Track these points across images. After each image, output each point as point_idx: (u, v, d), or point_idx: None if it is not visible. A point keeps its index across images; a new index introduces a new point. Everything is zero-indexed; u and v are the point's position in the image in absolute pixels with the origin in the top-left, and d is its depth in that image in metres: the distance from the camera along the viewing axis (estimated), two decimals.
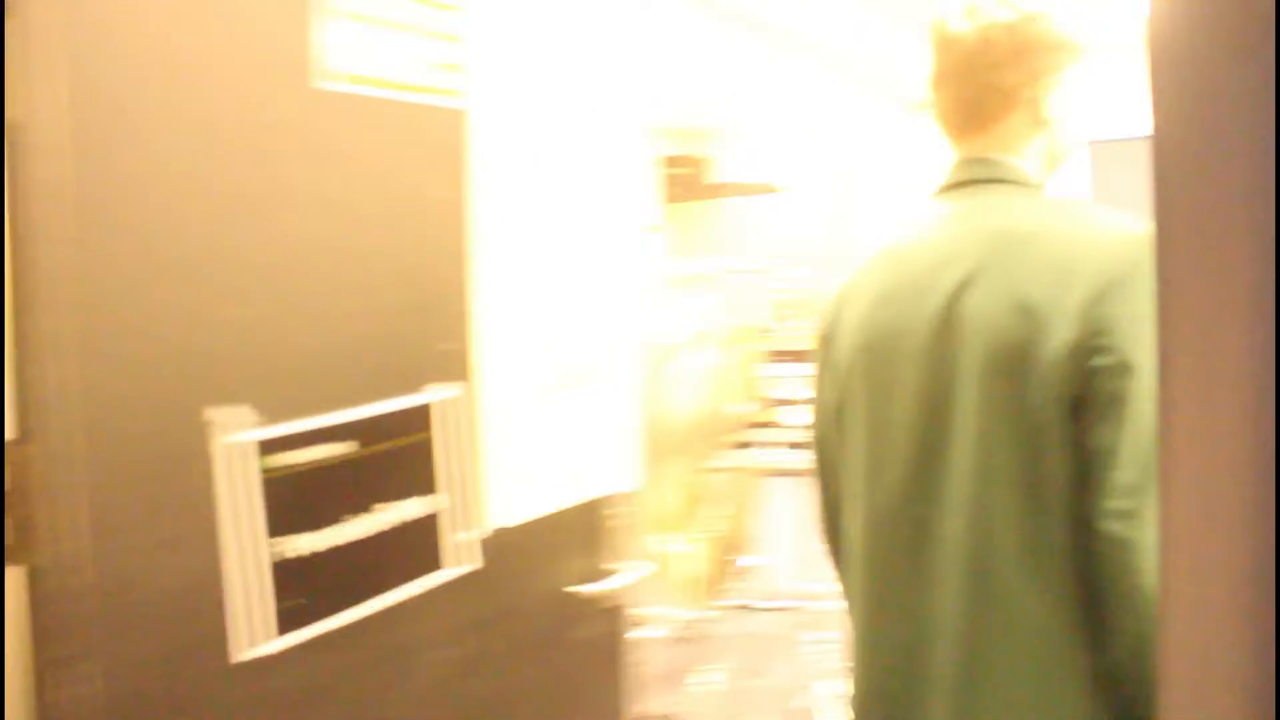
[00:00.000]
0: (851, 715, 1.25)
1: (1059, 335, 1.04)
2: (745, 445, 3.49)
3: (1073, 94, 1.22)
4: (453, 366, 1.32)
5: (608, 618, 1.50)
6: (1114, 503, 1.01)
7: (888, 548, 1.19)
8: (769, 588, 4.55)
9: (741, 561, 3.62)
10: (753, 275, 4.57)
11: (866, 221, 8.10)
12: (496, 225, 1.39)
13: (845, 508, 1.28)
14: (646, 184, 1.66)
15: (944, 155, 1.26)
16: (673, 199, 3.71)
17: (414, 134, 1.27)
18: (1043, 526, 1.06)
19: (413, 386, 1.27)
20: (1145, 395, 1.00)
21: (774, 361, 4.37)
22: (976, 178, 1.22)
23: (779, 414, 3.64)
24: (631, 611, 1.50)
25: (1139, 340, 1.02)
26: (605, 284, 1.58)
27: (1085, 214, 1.16)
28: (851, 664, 1.25)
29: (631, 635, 1.53)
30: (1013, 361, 1.07)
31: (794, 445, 3.52)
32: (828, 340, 1.31)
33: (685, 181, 4.36)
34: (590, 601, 1.45)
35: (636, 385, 1.65)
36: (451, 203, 1.32)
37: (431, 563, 1.29)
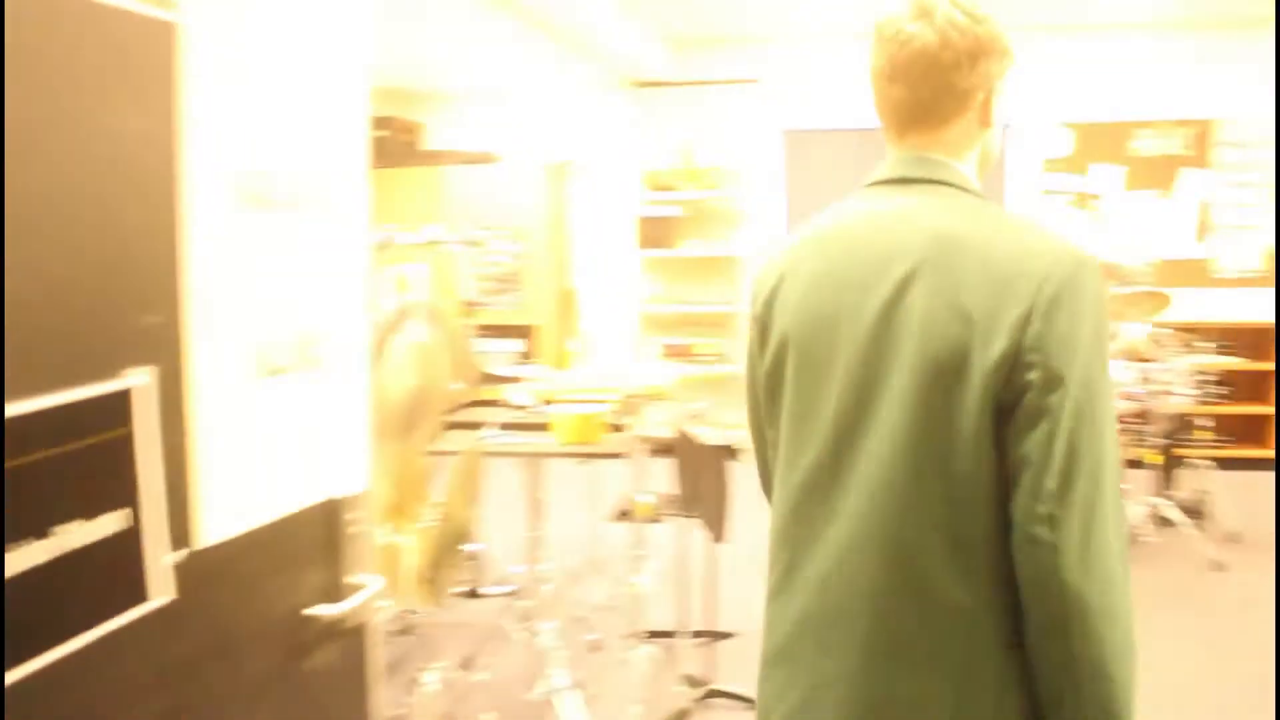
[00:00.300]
0: (760, 674, 1.33)
1: (995, 346, 1.14)
2: (463, 426, 3.34)
3: (1003, 100, 1.32)
4: (157, 345, 1.07)
5: (352, 641, 1.30)
6: (1041, 508, 1.12)
7: (801, 520, 1.28)
8: (494, 573, 4.41)
9: (466, 548, 3.47)
10: (464, 247, 4.34)
11: (584, 197, 8.27)
12: (212, 168, 1.14)
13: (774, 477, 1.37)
14: (361, 144, 1.46)
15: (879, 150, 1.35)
16: (383, 164, 3.40)
17: (111, 46, 1.01)
18: (963, 517, 1.17)
19: (106, 371, 1.01)
20: (1069, 408, 1.12)
21: (486, 337, 4.18)
22: (920, 176, 1.29)
23: (501, 392, 3.52)
24: (377, 630, 1.31)
25: (1068, 356, 1.13)
26: (325, 249, 1.37)
27: (1023, 227, 1.24)
28: (765, 621, 1.33)
29: (379, 658, 1.33)
30: (949, 365, 1.16)
31: (513, 426, 3.42)
32: (761, 315, 1.38)
33: (395, 146, 4.06)
34: (331, 624, 1.25)
35: (363, 367, 1.46)
36: (158, 137, 1.06)
37: (131, 594, 1.03)
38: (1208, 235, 7.15)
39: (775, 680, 1.31)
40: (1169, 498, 4.90)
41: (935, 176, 1.28)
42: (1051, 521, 1.11)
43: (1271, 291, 7.06)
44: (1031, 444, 1.12)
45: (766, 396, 1.37)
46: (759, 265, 1.43)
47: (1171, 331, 4.78)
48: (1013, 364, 1.13)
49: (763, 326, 1.37)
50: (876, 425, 1.20)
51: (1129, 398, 4.80)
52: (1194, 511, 5.10)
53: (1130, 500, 4.66)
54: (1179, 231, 7.18)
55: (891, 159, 1.34)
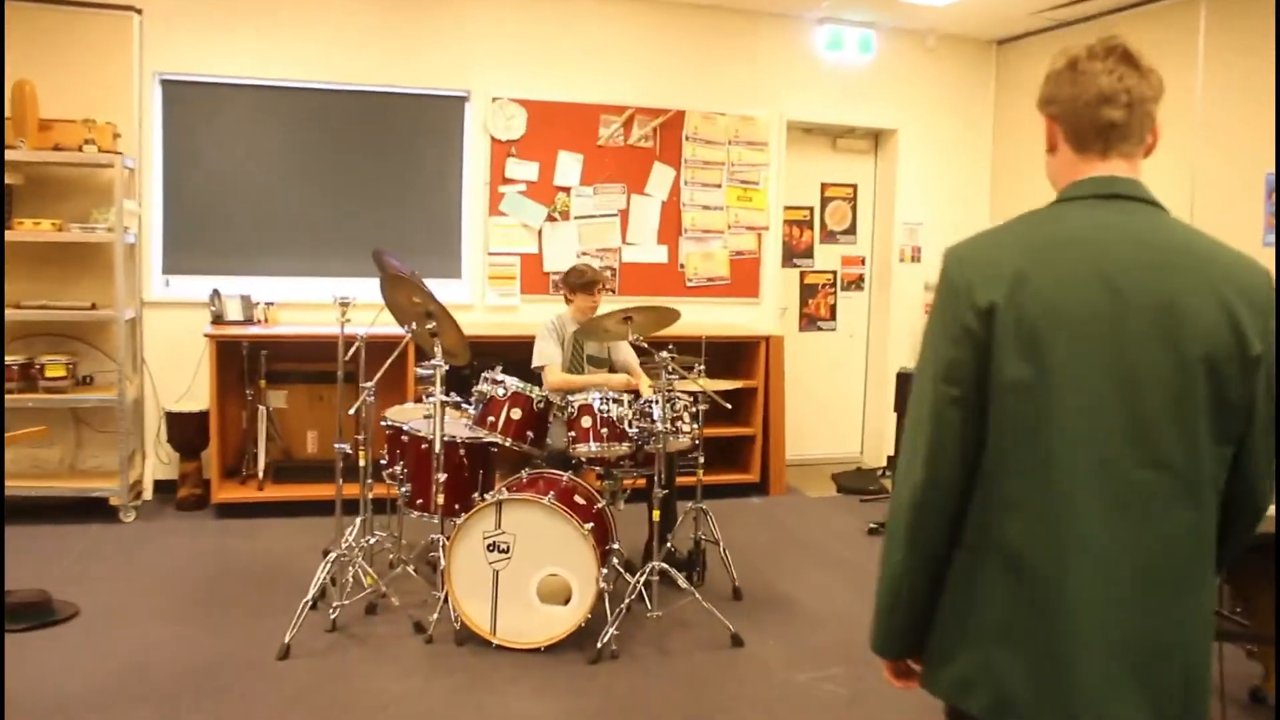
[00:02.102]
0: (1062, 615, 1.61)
1: (1253, 347, 1.62)
2: None
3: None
4: None
5: None
6: (1273, 466, 1.70)
7: (1121, 487, 1.61)
8: None
9: None
10: None
11: None
12: None
13: (1009, 460, 1.63)
14: None
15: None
16: None
17: None
18: (1220, 477, 1.66)
19: None
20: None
21: None
22: (1125, 193, 1.69)
23: None
24: None
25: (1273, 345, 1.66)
26: None
27: (1210, 236, 1.70)
28: (1036, 588, 1.62)
29: None
30: (1223, 363, 1.61)
31: None
32: (1001, 310, 1.61)
33: None
34: None
35: None
36: None
37: None
38: (681, 237, 7.03)
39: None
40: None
41: (1139, 194, 1.69)
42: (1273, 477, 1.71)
43: (740, 302, 7.16)
44: (1262, 424, 1.66)
45: (1007, 384, 1.61)
46: (966, 264, 1.67)
47: (673, 352, 4.26)
48: (1263, 360, 1.63)
49: (1006, 314, 1.61)
50: (1165, 414, 1.60)
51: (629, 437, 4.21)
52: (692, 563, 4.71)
53: None
54: (645, 232, 6.95)
55: (1095, 178, 1.70)
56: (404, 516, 4.71)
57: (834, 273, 7.75)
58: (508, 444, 4.34)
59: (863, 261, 7.84)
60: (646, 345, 4.19)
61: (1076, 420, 1.59)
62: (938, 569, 1.71)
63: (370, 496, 4.63)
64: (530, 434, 4.35)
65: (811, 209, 7.63)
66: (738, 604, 4.66)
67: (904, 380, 5.95)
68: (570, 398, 4.37)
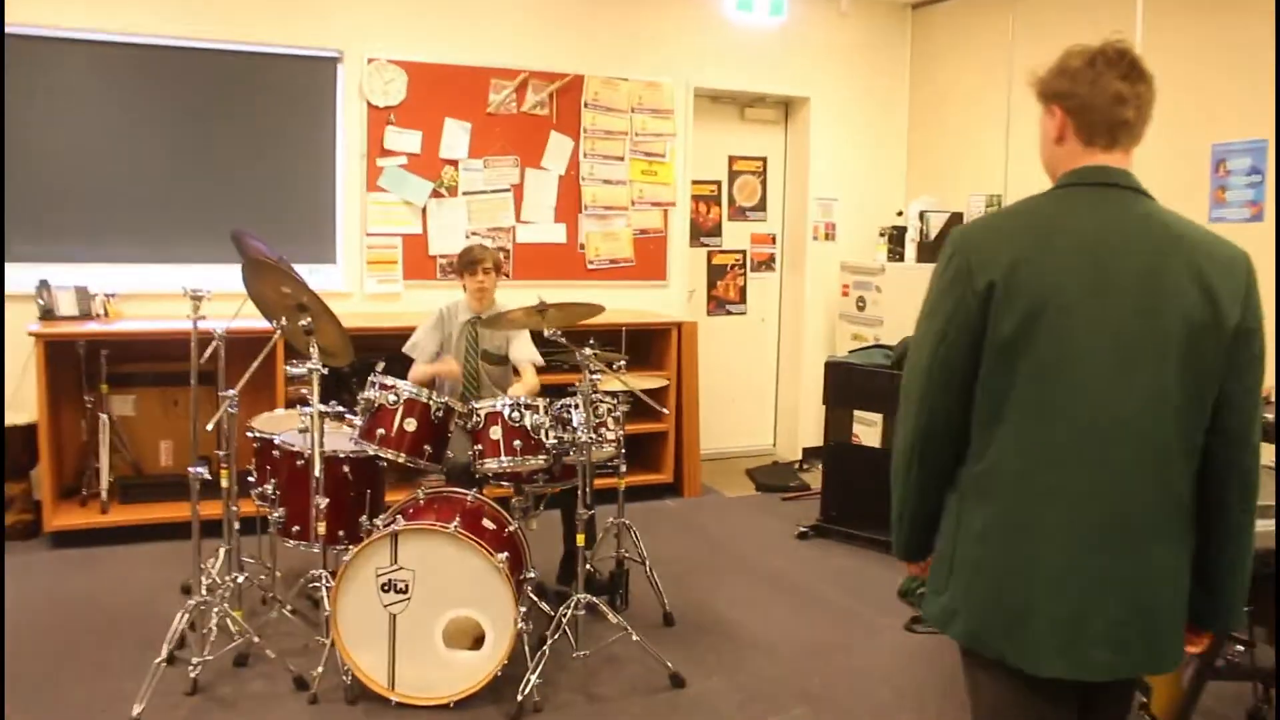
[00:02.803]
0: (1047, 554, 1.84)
1: (1231, 316, 1.84)
2: None
3: None
4: None
5: None
6: (1252, 431, 1.90)
7: (1096, 442, 1.83)
8: None
9: None
10: None
11: None
12: None
13: (1001, 419, 1.87)
14: None
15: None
16: None
17: None
18: (1195, 435, 1.86)
19: None
20: (1263, 357, 1.90)
21: None
22: (1120, 183, 1.89)
23: None
24: None
25: (1261, 317, 1.90)
26: None
27: (1190, 221, 1.93)
28: (1017, 530, 1.85)
29: None
30: (1202, 332, 1.82)
31: None
32: (1001, 283, 1.83)
33: None
34: None
35: None
36: None
37: None
38: (581, 215, 6.45)
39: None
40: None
41: (1132, 184, 1.90)
42: (1252, 440, 1.91)
43: (646, 285, 6.64)
44: (1244, 384, 1.87)
45: (998, 353, 1.85)
46: (972, 242, 1.89)
47: (595, 346, 3.70)
48: (1241, 328, 1.85)
49: (1003, 294, 1.83)
50: (1146, 376, 1.82)
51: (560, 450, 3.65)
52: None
53: None
54: (541, 209, 6.35)
55: (1092, 167, 1.90)
56: (276, 542, 4.04)
57: (743, 252, 7.30)
58: (401, 460, 3.72)
59: (773, 240, 7.41)
60: (564, 340, 3.63)
61: (1060, 382, 1.83)
62: (932, 500, 2.00)
63: (237, 521, 3.96)
64: (428, 448, 3.73)
65: (719, 183, 7.15)
66: (671, 632, 4.16)
67: (835, 370, 5.53)
68: (475, 405, 3.77)
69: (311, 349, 3.62)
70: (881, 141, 7.36)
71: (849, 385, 5.48)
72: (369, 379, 3.81)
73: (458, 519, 3.45)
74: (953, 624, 1.91)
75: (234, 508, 3.97)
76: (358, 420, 3.78)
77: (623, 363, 4.10)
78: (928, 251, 6.75)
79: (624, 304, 6.51)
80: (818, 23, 7.04)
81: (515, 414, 3.67)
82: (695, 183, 6.87)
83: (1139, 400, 1.81)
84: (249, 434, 4.20)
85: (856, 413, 6.06)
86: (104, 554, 4.88)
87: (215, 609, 3.65)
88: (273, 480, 4.00)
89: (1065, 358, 1.81)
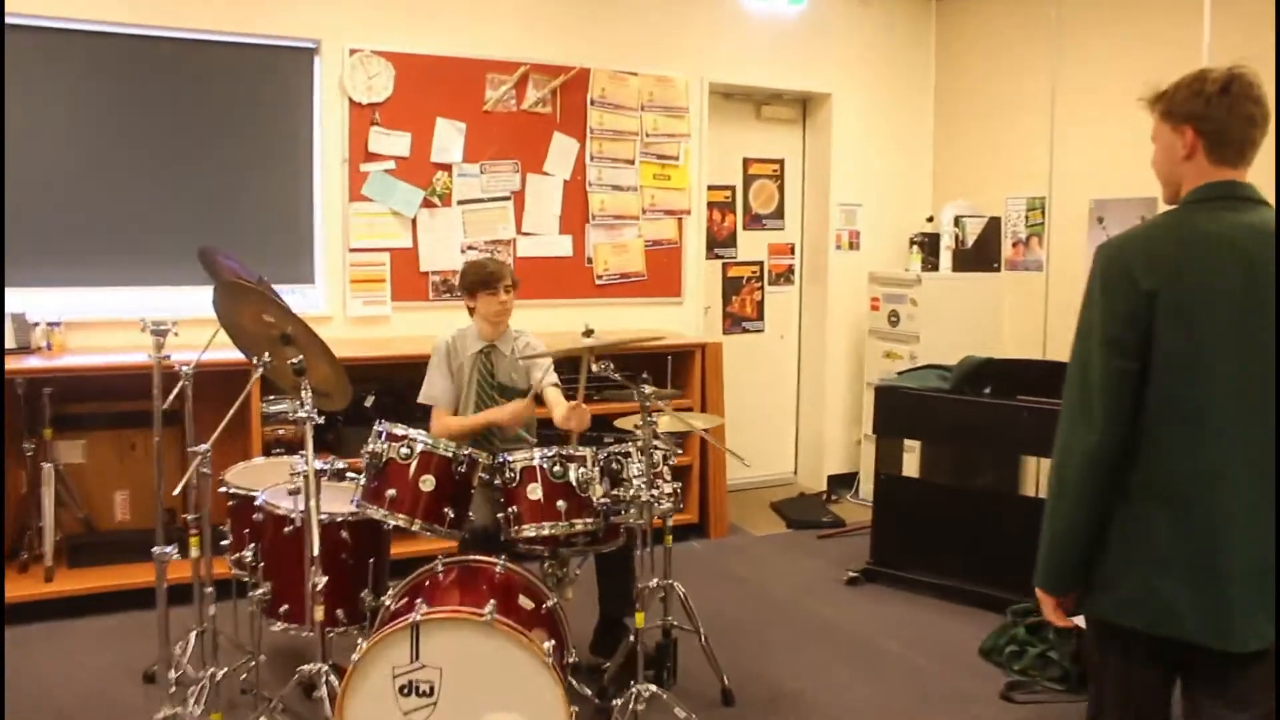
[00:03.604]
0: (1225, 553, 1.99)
1: None
2: None
3: None
4: None
5: None
6: None
7: (1249, 415, 2.00)
8: None
9: None
10: None
11: None
12: None
13: (1179, 417, 2.01)
14: None
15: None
16: None
17: None
18: None
19: None
20: None
21: None
22: (1253, 197, 2.08)
23: None
24: None
25: None
26: None
27: None
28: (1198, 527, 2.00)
29: None
30: None
31: None
32: (1161, 290, 1.99)
33: None
34: None
35: None
36: None
37: None
38: (588, 225, 5.81)
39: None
40: None
41: (1258, 197, 2.09)
42: None
43: (659, 302, 6.01)
44: None
45: (1166, 359, 1.99)
46: (1129, 252, 2.04)
47: (649, 381, 3.06)
48: None
49: (1166, 302, 1.99)
50: (1270, 365, 2.01)
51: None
52: None
53: None
54: (545, 219, 5.71)
55: (1233, 182, 2.07)
56: (260, 620, 3.36)
57: (760, 264, 6.69)
58: (416, 528, 3.05)
59: (792, 250, 6.81)
60: (616, 375, 3.00)
61: (1223, 381, 2.00)
62: (1102, 515, 2.08)
63: (212, 606, 3.28)
64: (449, 511, 3.06)
65: (733, 189, 6.54)
66: (732, 714, 3.52)
67: (886, 396, 4.93)
68: (508, 459, 3.11)
69: (303, 391, 2.95)
70: (907, 142, 6.79)
71: (901, 412, 4.88)
72: (374, 428, 3.13)
73: (492, 602, 2.79)
74: (1132, 613, 2.05)
75: (208, 588, 3.30)
76: (363, 479, 3.11)
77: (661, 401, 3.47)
78: (966, 260, 6.18)
79: (636, 323, 5.88)
80: (840, 12, 6.46)
81: (558, 468, 3.02)
82: (710, 188, 6.26)
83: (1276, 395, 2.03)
84: (222, 489, 3.53)
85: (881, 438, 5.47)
86: (48, 631, 4.15)
87: (187, 709, 2.97)
88: (253, 545, 3.33)
89: (1227, 358, 2.00)
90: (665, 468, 3.23)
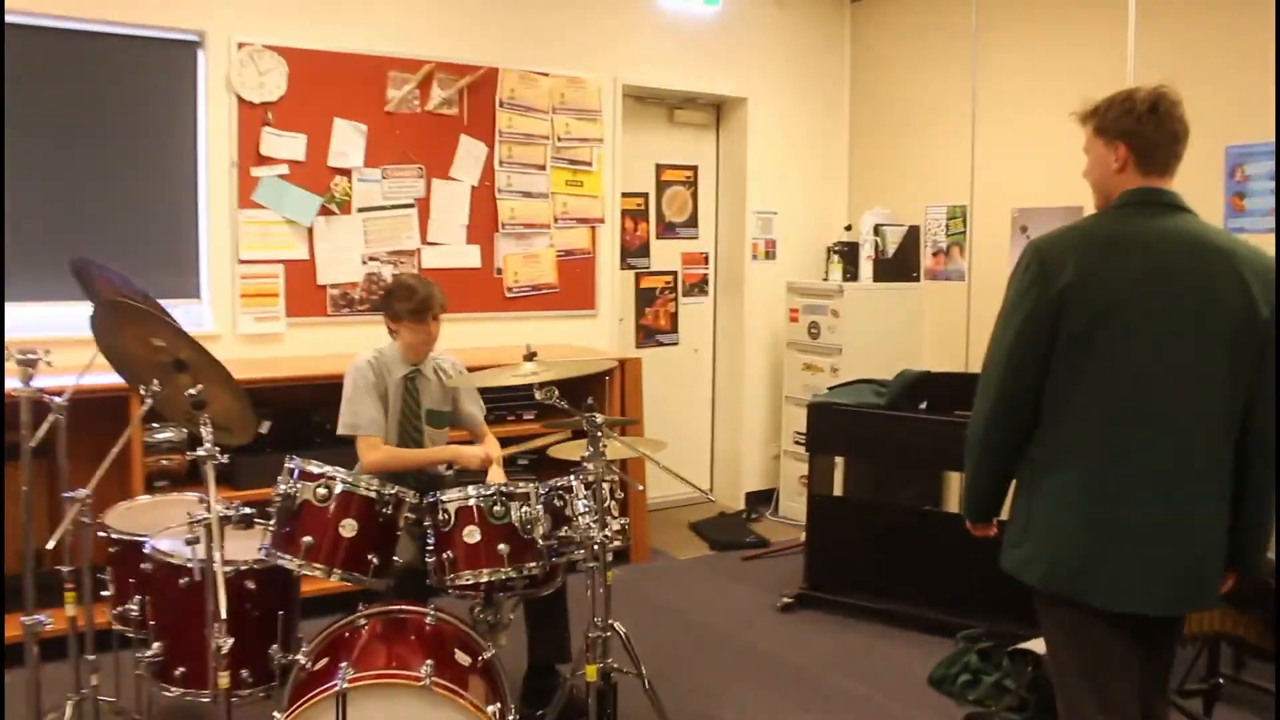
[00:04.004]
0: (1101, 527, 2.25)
1: (1260, 313, 2.23)
2: None
3: None
4: None
5: None
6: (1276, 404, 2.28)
7: (1155, 418, 2.23)
8: None
9: None
10: None
11: None
12: None
13: (1073, 401, 2.27)
14: None
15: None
16: None
17: None
18: (1235, 415, 2.26)
19: None
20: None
21: None
22: (1173, 203, 2.32)
23: None
24: None
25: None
26: None
27: (1224, 231, 2.44)
28: (1089, 492, 2.26)
29: None
30: (1242, 329, 2.22)
31: None
32: (1076, 287, 2.23)
33: None
34: None
35: None
36: None
37: None
38: (497, 234, 5.48)
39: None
40: None
41: (1180, 203, 2.32)
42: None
43: (572, 315, 5.71)
44: (1269, 369, 2.27)
45: (1068, 347, 2.25)
46: (1049, 251, 2.30)
47: (595, 410, 2.76)
48: (1267, 323, 2.24)
49: (1075, 296, 2.23)
50: (1198, 366, 2.22)
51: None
52: None
53: None
54: (451, 228, 5.35)
55: (1147, 191, 2.32)
56: (150, 686, 2.95)
57: (674, 274, 6.46)
58: (336, 579, 2.69)
59: (706, 259, 6.59)
60: (562, 403, 2.70)
61: (1125, 371, 2.24)
62: (1001, 465, 2.41)
63: (93, 675, 2.86)
64: (373, 558, 2.71)
65: (646, 196, 6.29)
66: None
67: (820, 413, 4.73)
68: (440, 499, 2.77)
69: (202, 427, 2.57)
70: (823, 148, 6.65)
71: (837, 429, 4.69)
72: (285, 465, 2.76)
73: (428, 663, 2.45)
74: (1029, 570, 2.32)
75: (89, 655, 2.87)
76: (272, 526, 2.73)
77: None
78: (887, 270, 6.06)
79: (548, 337, 5.57)
80: (756, 14, 6.29)
81: (498, 507, 2.70)
82: (622, 195, 5.99)
83: (1191, 383, 2.23)
84: (101, 534, 3.11)
85: (804, 453, 5.28)
86: None
87: None
88: (139, 598, 2.93)
89: (1130, 350, 2.23)
90: (613, 502, 2.94)
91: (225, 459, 2.54)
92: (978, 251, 5.90)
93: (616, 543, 2.89)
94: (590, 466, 2.73)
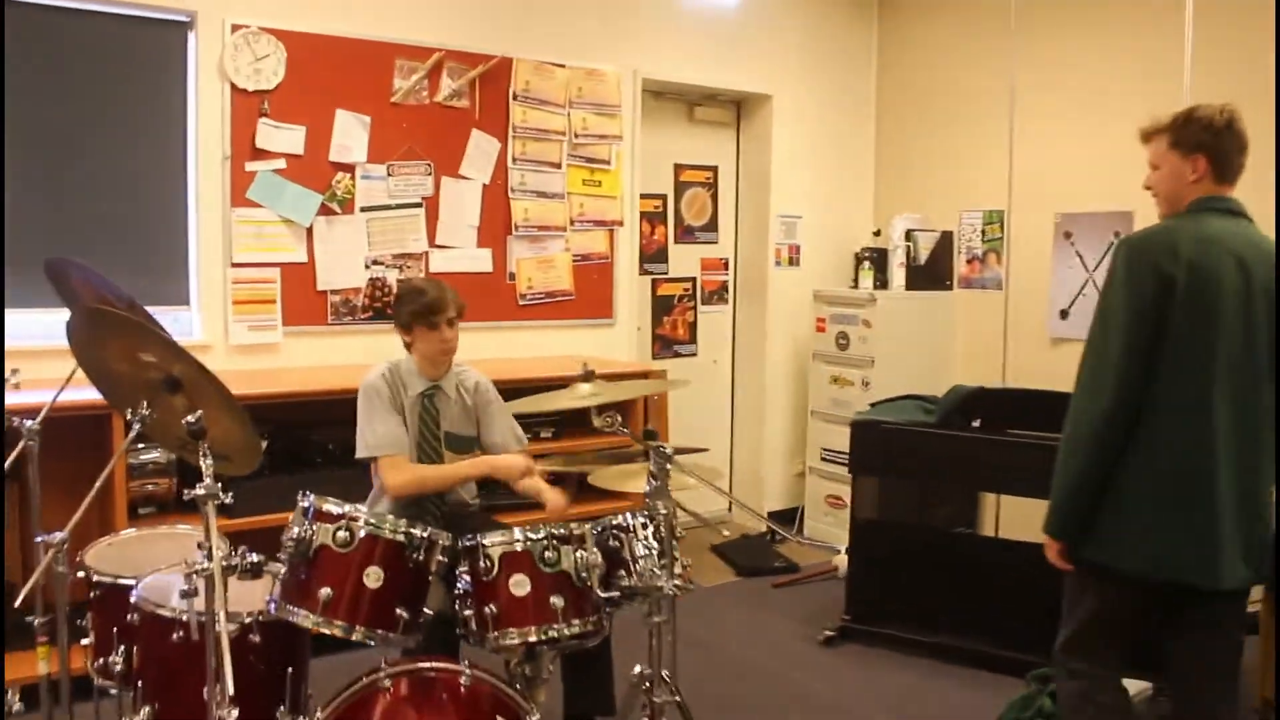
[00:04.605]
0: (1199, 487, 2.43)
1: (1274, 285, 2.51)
2: None
3: None
4: None
5: None
6: None
7: (1241, 389, 2.44)
8: None
9: None
10: None
11: None
12: None
13: (1183, 385, 2.43)
14: None
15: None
16: None
17: None
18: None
19: None
20: None
21: None
22: (1240, 211, 2.55)
23: None
24: None
25: None
26: None
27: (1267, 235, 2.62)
28: (1186, 481, 2.43)
29: None
30: (1273, 298, 2.49)
31: None
32: (1174, 282, 2.41)
33: None
34: None
35: None
36: None
37: None
38: (510, 237, 5.02)
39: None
40: None
41: (1242, 210, 2.56)
42: None
43: (589, 324, 5.31)
44: None
45: (1176, 339, 2.42)
46: (1150, 246, 2.48)
47: (657, 439, 2.39)
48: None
49: (1184, 290, 2.41)
50: (1260, 335, 2.47)
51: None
52: None
53: None
54: (461, 230, 4.95)
55: (1220, 198, 2.54)
56: None
57: (693, 280, 6.08)
58: (359, 637, 2.28)
59: (725, 265, 6.22)
60: (624, 428, 2.32)
61: (1225, 361, 2.42)
62: (1107, 471, 2.47)
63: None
64: (402, 612, 2.31)
65: (664, 198, 5.91)
66: None
67: (864, 431, 4.36)
68: (482, 542, 2.37)
69: (201, 458, 2.17)
70: (850, 149, 6.29)
71: (883, 449, 4.31)
72: (299, 503, 2.36)
73: None
74: (1132, 558, 2.46)
75: (65, 714, 2.47)
76: (281, 574, 2.32)
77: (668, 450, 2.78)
78: (919, 277, 5.70)
79: (565, 348, 5.18)
80: (781, 4, 5.92)
81: (549, 553, 2.30)
82: (642, 196, 5.61)
83: (1261, 372, 2.48)
84: (80, 573, 2.70)
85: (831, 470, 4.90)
86: None
87: None
88: (124, 648, 2.53)
89: (1228, 340, 2.43)
90: (674, 541, 2.55)
91: (229, 498, 2.14)
92: (1016, 259, 5.55)
93: (680, 583, 2.49)
94: (659, 504, 2.33)
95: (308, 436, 4.14)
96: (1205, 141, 2.51)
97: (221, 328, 4.34)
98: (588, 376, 2.41)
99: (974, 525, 5.49)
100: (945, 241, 5.77)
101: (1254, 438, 2.44)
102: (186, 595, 2.22)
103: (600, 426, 2.35)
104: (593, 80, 5.22)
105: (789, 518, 6.10)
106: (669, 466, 2.36)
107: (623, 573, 2.40)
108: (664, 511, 2.35)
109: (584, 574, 2.31)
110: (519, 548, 2.34)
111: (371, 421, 3.12)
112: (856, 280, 5.87)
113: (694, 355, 6.09)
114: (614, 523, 2.47)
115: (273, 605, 2.31)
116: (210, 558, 2.08)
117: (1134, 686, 3.59)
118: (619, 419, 2.36)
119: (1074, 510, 2.49)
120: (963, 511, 5.47)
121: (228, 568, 2.13)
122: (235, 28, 4.25)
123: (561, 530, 2.37)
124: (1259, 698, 2.97)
